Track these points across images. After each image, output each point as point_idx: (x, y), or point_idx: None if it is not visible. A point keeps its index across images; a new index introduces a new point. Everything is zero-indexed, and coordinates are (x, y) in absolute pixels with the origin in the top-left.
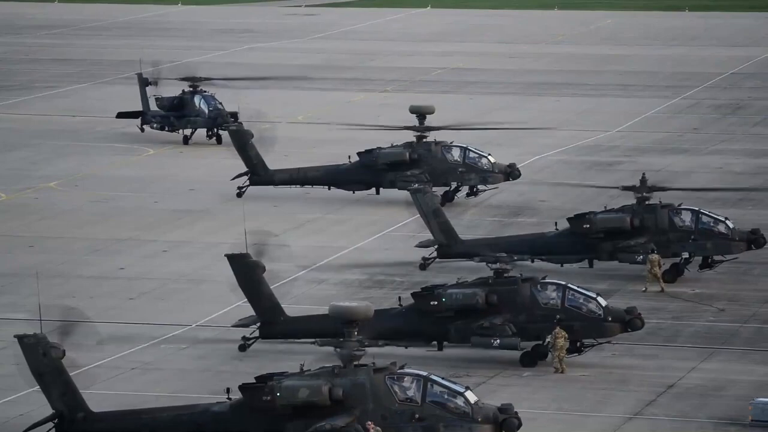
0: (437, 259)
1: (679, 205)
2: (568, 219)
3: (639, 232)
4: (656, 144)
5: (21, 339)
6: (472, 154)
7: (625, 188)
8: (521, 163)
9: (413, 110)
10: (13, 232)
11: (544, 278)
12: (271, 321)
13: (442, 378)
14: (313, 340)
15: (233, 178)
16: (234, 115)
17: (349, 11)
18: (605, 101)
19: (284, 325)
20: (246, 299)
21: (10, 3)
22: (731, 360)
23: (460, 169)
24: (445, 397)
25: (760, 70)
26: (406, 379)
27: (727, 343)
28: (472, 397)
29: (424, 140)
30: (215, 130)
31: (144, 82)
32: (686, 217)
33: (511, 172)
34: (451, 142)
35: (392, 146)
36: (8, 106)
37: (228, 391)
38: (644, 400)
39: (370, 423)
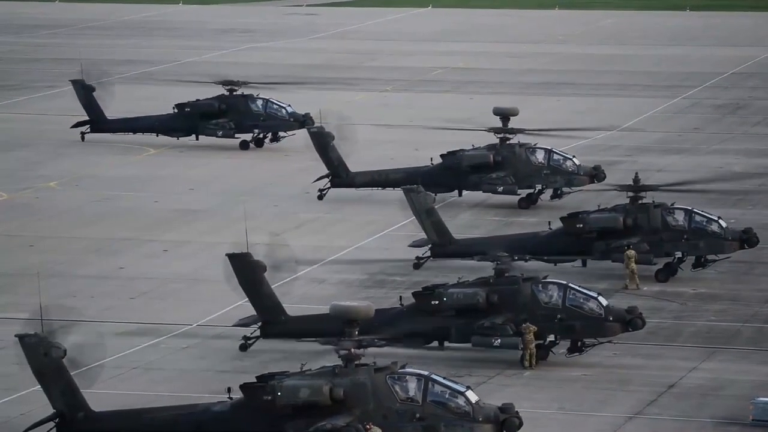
0: (431, 259)
1: (672, 205)
2: (562, 218)
3: (632, 231)
4: (656, 144)
5: (22, 338)
6: (556, 156)
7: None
8: None
9: (497, 112)
10: (13, 231)
11: (545, 278)
12: (272, 320)
13: (443, 377)
14: (314, 339)
15: (315, 181)
16: (307, 117)
17: (349, 11)
18: (605, 101)
19: (285, 325)
20: (247, 299)
21: (10, 3)
22: (732, 360)
23: (544, 172)
24: (446, 396)
25: (761, 70)
26: (407, 378)
27: (728, 342)
28: (473, 396)
29: (508, 142)
30: (278, 134)
31: (89, 89)
32: (679, 217)
33: (596, 174)
34: (535, 144)
35: (476, 148)
36: (8, 106)
37: (229, 390)
38: (645, 400)
39: (369, 424)
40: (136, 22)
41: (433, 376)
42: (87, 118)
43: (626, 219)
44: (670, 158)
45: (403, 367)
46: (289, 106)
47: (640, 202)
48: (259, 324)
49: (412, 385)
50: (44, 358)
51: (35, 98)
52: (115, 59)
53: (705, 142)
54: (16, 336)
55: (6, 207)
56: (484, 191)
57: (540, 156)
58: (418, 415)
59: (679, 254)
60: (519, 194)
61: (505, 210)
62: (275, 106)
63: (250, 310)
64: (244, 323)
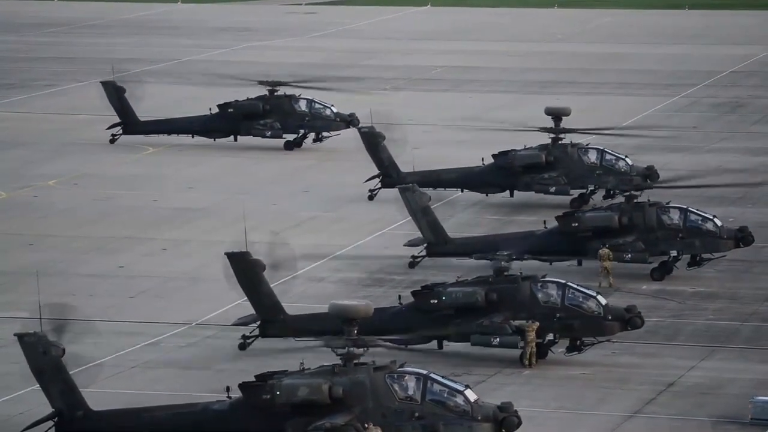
0: (426, 257)
1: (668, 203)
2: (557, 217)
3: (627, 230)
4: (656, 142)
5: (21, 337)
6: (609, 156)
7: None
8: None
9: (549, 112)
10: (12, 230)
11: (544, 277)
12: (271, 319)
13: (442, 376)
14: (313, 338)
15: (366, 181)
16: (353, 117)
17: (348, 9)
18: (605, 99)
19: (284, 324)
20: (246, 297)
21: (10, 1)
22: (731, 358)
23: (597, 172)
24: (445, 395)
25: (760, 68)
26: (406, 377)
27: (726, 341)
28: (471, 395)
29: (560, 142)
30: (320, 135)
31: (120, 90)
32: (674, 216)
33: (649, 175)
34: (587, 144)
35: (527, 148)
36: (8, 105)
37: (228, 389)
38: (644, 399)
39: (369, 424)
40: (135, 20)
41: (432, 375)
42: (118, 120)
43: (621, 218)
44: (669, 157)
45: (402, 366)
46: (333, 106)
47: (635, 201)
48: (258, 323)
49: (411, 384)
50: (43, 356)
51: (34, 97)
52: (114, 58)
53: (704, 141)
54: (15, 335)
55: (5, 206)
56: (536, 191)
57: (592, 156)
58: (417, 414)
59: (674, 253)
60: (571, 194)
61: (504, 209)
62: (319, 106)
63: (249, 309)
64: (243, 322)
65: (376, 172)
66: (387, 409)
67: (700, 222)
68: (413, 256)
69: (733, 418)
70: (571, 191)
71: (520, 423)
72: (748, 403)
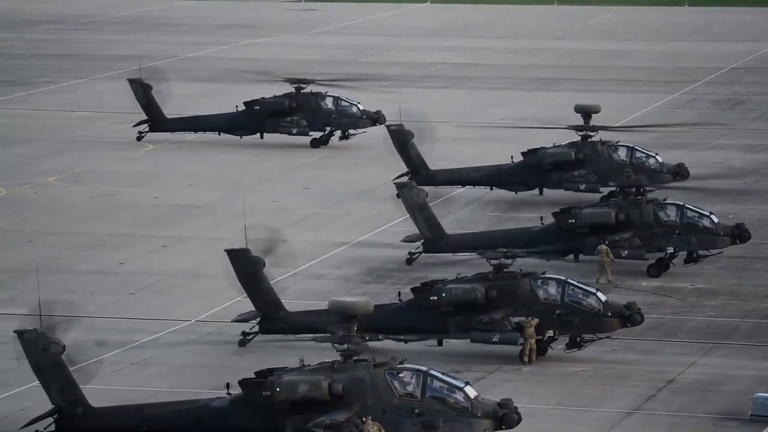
0: (423, 254)
1: (665, 200)
2: (554, 214)
3: (624, 226)
4: (656, 139)
5: (21, 334)
6: (639, 154)
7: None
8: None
9: (578, 109)
10: (12, 227)
11: (543, 273)
12: (271, 316)
13: (442, 373)
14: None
15: (395, 179)
16: (379, 115)
17: (348, 6)
18: (604, 96)
19: (284, 320)
20: (246, 294)
21: None
22: (731, 355)
23: (627, 169)
24: (445, 392)
25: (760, 65)
26: (405, 374)
27: (726, 338)
28: (471, 392)
29: (590, 140)
30: (347, 132)
31: (147, 87)
32: (671, 212)
33: (679, 172)
34: (617, 142)
35: (557, 146)
36: (8, 102)
37: (228, 386)
38: (644, 395)
39: (366, 417)
40: (135, 17)
41: (432, 372)
42: (145, 117)
43: (618, 214)
44: (669, 153)
45: (402, 362)
46: (359, 103)
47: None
48: (258, 319)
49: (411, 381)
50: (43, 353)
51: (34, 93)
52: (114, 55)
53: (704, 138)
54: (14, 331)
55: (5, 202)
56: (565, 189)
57: (622, 153)
58: (416, 411)
59: (671, 249)
60: (601, 192)
61: (504, 204)
62: (345, 104)
63: (249, 306)
64: (243, 319)
65: (405, 169)
66: (387, 406)
67: (697, 219)
68: (410, 253)
69: (733, 414)
70: (601, 189)
71: (519, 420)
72: (748, 400)
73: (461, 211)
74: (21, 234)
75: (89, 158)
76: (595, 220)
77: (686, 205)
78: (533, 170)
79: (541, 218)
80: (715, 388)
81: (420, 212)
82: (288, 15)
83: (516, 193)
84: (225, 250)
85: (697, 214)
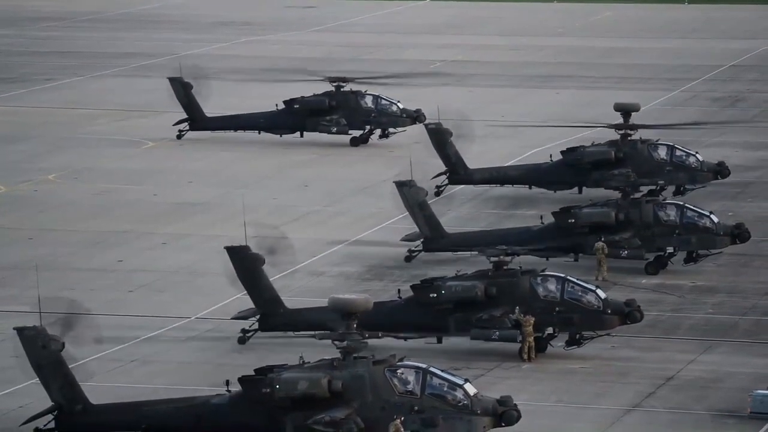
0: (423, 252)
1: (664, 200)
2: (553, 213)
3: (624, 226)
4: (656, 136)
5: (20, 331)
6: (678, 152)
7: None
8: (520, 156)
9: (618, 108)
10: (12, 224)
11: (543, 271)
12: (271, 313)
13: (442, 370)
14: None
15: (433, 177)
16: (419, 113)
17: (348, 4)
18: (604, 94)
19: (283, 318)
20: (245, 291)
21: None
22: (730, 352)
23: (667, 168)
24: (445, 389)
25: (759, 62)
26: (405, 371)
27: (726, 335)
28: (471, 389)
29: (629, 138)
30: (386, 131)
31: (187, 86)
32: (671, 212)
33: (720, 171)
34: (657, 140)
35: (596, 144)
36: (8, 99)
37: (227, 383)
38: (643, 392)
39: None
40: (135, 14)
41: (432, 369)
42: (185, 116)
43: (618, 214)
44: None
45: (401, 359)
46: (399, 102)
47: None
48: (258, 317)
49: (411, 378)
50: (42, 350)
51: (34, 91)
52: (113, 52)
53: (704, 135)
54: (14, 329)
55: (5, 200)
56: (605, 188)
57: (662, 152)
58: (416, 408)
59: (670, 249)
60: (641, 191)
61: (505, 202)
62: (385, 102)
63: (248, 303)
64: (242, 316)
65: (443, 168)
66: (386, 403)
67: (696, 218)
68: (410, 251)
69: (732, 411)
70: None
71: (519, 417)
72: (747, 397)
73: (461, 209)
74: (21, 231)
75: (89, 156)
76: (594, 220)
77: (686, 205)
78: (572, 169)
79: (541, 217)
80: (714, 385)
81: (420, 210)
82: (288, 12)
83: (555, 191)
84: (225, 248)
85: (696, 214)
